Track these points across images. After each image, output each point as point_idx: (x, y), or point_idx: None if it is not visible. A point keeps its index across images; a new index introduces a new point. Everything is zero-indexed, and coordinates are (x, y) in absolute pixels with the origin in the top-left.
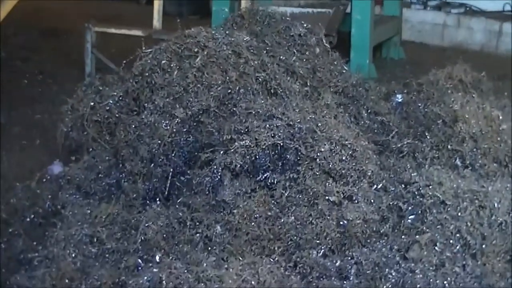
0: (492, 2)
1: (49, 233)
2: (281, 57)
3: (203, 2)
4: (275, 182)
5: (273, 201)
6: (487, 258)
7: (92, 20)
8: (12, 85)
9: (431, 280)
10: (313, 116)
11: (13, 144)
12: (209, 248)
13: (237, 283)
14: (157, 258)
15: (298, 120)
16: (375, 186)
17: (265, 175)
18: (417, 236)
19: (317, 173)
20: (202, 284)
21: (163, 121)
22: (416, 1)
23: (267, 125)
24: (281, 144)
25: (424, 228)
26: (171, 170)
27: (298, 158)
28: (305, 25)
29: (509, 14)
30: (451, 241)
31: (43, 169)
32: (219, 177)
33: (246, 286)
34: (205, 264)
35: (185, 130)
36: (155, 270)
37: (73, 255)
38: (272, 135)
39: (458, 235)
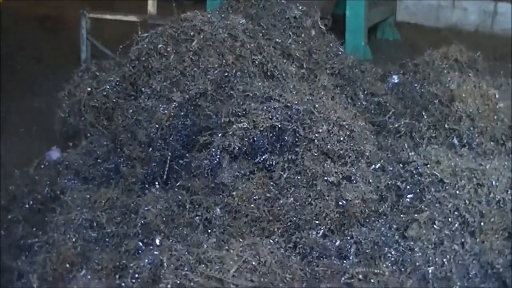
0: None
1: (48, 219)
2: (277, 39)
3: None
4: (274, 163)
5: (271, 183)
6: (485, 236)
7: (86, 6)
8: (8, 73)
9: (430, 258)
10: (310, 98)
11: (11, 132)
12: (209, 230)
13: (238, 264)
14: (157, 241)
15: (296, 102)
16: (373, 166)
17: (263, 157)
18: (415, 215)
19: (315, 154)
20: (203, 265)
21: (160, 105)
22: None
23: (265, 107)
24: (279, 126)
25: (423, 206)
26: (170, 154)
27: (296, 139)
28: (300, 8)
29: None
30: (449, 219)
31: (42, 156)
32: (217, 160)
33: (247, 267)
34: (205, 246)
35: (182, 113)
36: (155, 253)
37: (73, 239)
38: (270, 117)
39: (456, 213)
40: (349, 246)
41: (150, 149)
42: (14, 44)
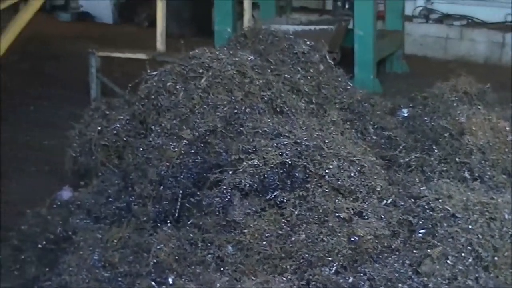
0: (494, 13)
1: (61, 259)
2: (285, 75)
3: (206, 23)
4: (285, 200)
5: (283, 220)
6: (499, 270)
7: (95, 45)
8: (18, 111)
9: None
10: (320, 133)
11: (22, 171)
12: (222, 269)
13: None
14: (170, 280)
15: (305, 138)
16: (384, 201)
17: (274, 194)
18: (428, 250)
19: (326, 190)
20: None
21: (170, 143)
22: (418, 14)
23: (275, 144)
24: (289, 162)
25: (435, 241)
26: (181, 191)
27: (307, 175)
28: (308, 43)
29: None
30: (462, 254)
31: (53, 195)
32: (228, 197)
33: None
34: (218, 285)
35: (192, 151)
36: None
37: (86, 280)
38: (280, 153)
39: (469, 247)
40: (362, 283)
41: (161, 187)
42: (22, 81)
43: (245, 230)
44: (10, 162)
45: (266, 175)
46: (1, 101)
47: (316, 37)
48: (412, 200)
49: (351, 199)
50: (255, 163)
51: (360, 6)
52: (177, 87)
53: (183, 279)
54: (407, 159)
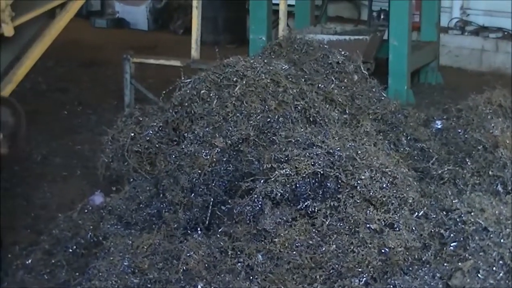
0: None
1: (91, 264)
2: (319, 85)
3: (240, 31)
4: (316, 210)
5: (314, 230)
6: None
7: (130, 51)
8: (52, 116)
9: None
10: (353, 144)
11: (55, 175)
12: (251, 277)
13: None
14: (199, 287)
15: (338, 148)
16: (416, 213)
17: (305, 204)
18: (459, 263)
19: (358, 201)
20: None
21: (203, 151)
22: (454, 26)
23: (307, 153)
24: (321, 172)
25: (467, 255)
26: (212, 199)
27: (339, 186)
28: (342, 53)
29: None
30: (494, 268)
31: (85, 200)
32: (259, 206)
33: None
34: None
35: (225, 159)
36: None
37: (116, 286)
38: (312, 163)
39: (501, 261)
40: None
41: (193, 194)
42: (57, 87)
43: (276, 239)
44: (43, 166)
45: (298, 185)
46: (35, 106)
47: (351, 47)
48: (444, 212)
49: (383, 210)
50: (287, 172)
51: (395, 16)
52: (211, 94)
53: (212, 287)
54: (439, 171)
